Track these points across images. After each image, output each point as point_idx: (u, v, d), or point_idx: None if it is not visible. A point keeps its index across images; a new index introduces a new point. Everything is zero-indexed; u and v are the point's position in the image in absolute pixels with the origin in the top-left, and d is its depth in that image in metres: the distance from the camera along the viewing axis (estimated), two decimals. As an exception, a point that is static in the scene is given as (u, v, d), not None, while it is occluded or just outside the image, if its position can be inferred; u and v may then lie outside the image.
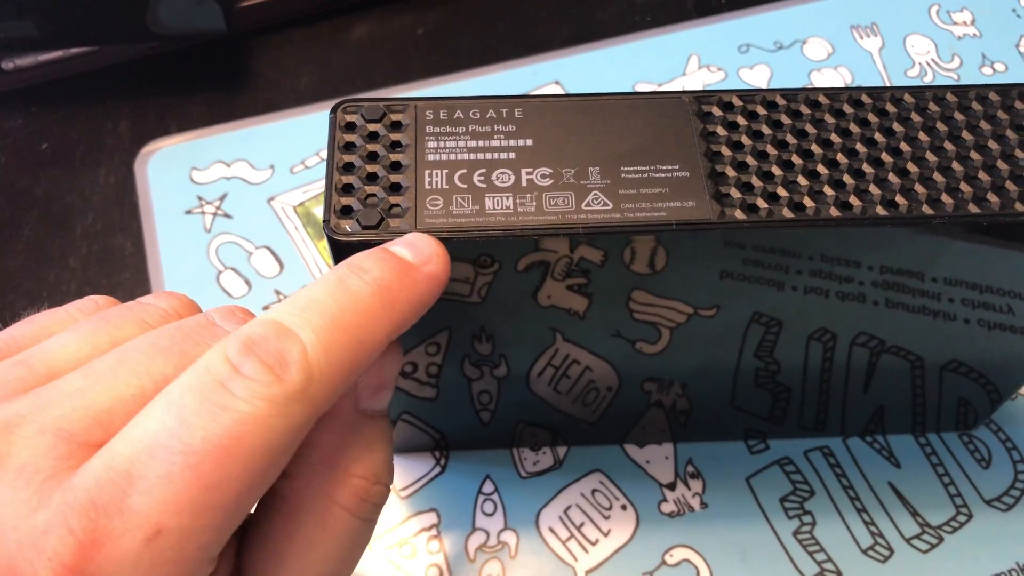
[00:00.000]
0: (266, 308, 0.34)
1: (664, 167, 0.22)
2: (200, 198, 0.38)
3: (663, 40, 0.43)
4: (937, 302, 0.26)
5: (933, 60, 0.43)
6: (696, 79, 0.42)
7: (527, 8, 0.44)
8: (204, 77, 0.42)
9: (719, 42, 0.43)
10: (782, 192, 0.22)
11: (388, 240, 0.21)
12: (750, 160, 0.23)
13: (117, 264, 0.37)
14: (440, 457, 0.33)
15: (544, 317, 0.25)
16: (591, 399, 0.30)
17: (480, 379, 0.28)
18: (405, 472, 0.32)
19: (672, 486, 0.32)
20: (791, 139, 0.23)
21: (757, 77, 0.42)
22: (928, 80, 0.42)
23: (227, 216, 0.38)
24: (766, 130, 0.23)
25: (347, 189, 0.22)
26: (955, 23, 0.44)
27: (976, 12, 0.44)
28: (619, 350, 0.27)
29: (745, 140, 0.23)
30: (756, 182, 0.22)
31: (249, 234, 0.37)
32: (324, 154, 0.39)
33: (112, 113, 0.41)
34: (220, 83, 0.41)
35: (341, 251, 0.21)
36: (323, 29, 0.43)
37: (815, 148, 0.23)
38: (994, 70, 0.42)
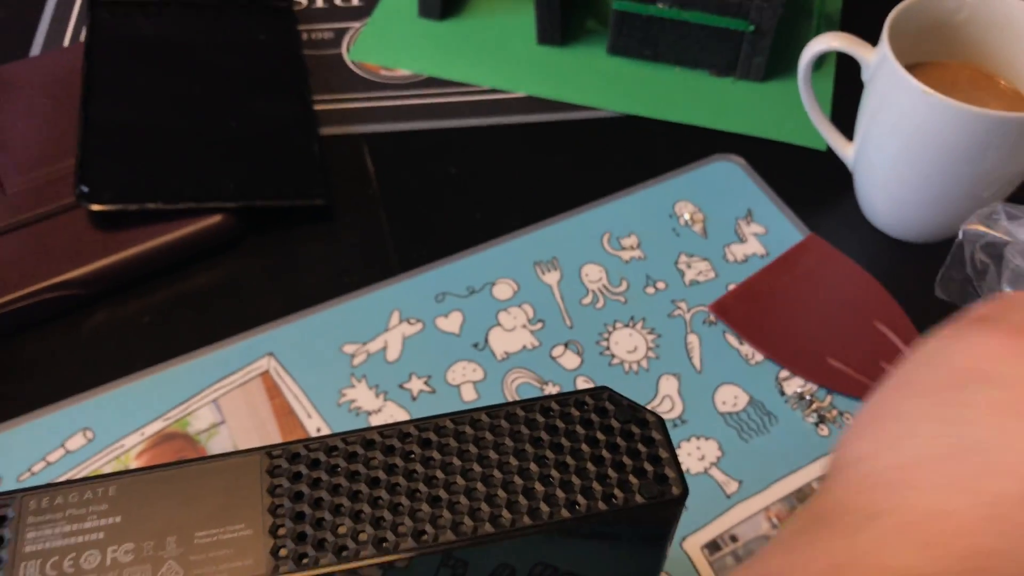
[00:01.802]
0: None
1: (232, 528, 0.26)
2: (-69, 519, 0.41)
3: (368, 299, 0.48)
4: (607, 527, 0.31)
5: (604, 286, 0.49)
6: (397, 333, 0.47)
7: (242, 284, 0.49)
8: (-64, 395, 0.45)
9: (418, 294, 0.48)
10: (329, 538, 0.26)
11: None
12: (306, 509, 0.27)
13: None
14: None
15: None
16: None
17: None
18: None
19: None
20: (344, 482, 0.27)
21: (451, 324, 0.47)
22: (599, 306, 0.48)
23: (-47, 536, 0.40)
24: (323, 476, 0.27)
25: None
26: (624, 248, 0.51)
27: (642, 236, 0.51)
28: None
29: (304, 489, 0.27)
30: (309, 531, 0.26)
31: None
32: (52, 457, 0.43)
33: None
34: (-48, 399, 0.45)
35: None
36: (53, 331, 0.47)
37: (363, 488, 0.27)
38: (656, 288, 0.49)
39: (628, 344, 0.46)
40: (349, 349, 0.46)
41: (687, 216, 0.52)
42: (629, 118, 0.58)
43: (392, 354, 0.46)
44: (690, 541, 0.40)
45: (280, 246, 0.51)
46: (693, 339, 0.47)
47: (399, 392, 0.45)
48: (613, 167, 0.55)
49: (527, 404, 0.30)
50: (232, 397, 0.44)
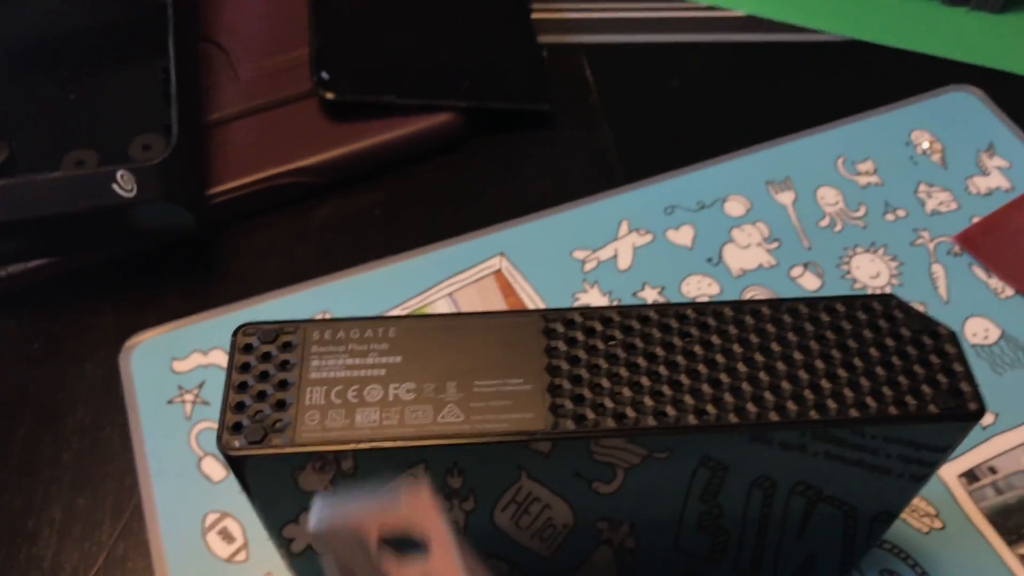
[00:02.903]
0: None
1: (512, 381, 0.26)
2: (180, 387, 0.42)
3: (596, 207, 0.47)
4: (875, 456, 0.30)
5: (842, 210, 0.47)
6: (627, 242, 0.46)
7: (470, 185, 0.49)
8: (178, 271, 0.46)
9: (647, 205, 0.47)
10: (608, 403, 0.26)
11: (271, 453, 0.24)
12: (584, 373, 0.26)
13: (106, 456, 0.40)
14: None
15: (512, 455, 0.27)
16: (548, 535, 0.33)
17: (449, 511, 0.31)
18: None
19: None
20: (621, 352, 0.27)
21: (683, 237, 0.46)
22: (838, 230, 0.46)
23: (205, 403, 0.41)
24: (600, 344, 0.27)
25: (239, 407, 0.25)
26: (859, 173, 0.49)
27: (878, 162, 0.49)
28: (577, 489, 0.30)
29: (581, 354, 0.27)
30: (587, 394, 0.26)
31: (226, 419, 0.41)
32: (292, 337, 0.43)
33: (96, 310, 0.44)
34: (193, 275, 0.45)
35: (232, 464, 0.25)
36: (286, 217, 0.47)
37: (640, 361, 0.27)
38: (896, 216, 0.47)
39: (870, 269, 0.45)
40: (579, 255, 0.46)
41: (925, 145, 0.50)
42: (853, 43, 0.55)
43: (623, 263, 0.45)
44: (946, 469, 0.39)
45: (504, 150, 0.50)
46: (938, 269, 0.45)
47: (633, 300, 0.44)
48: (839, 91, 0.53)
49: (811, 302, 0.29)
50: (467, 292, 0.44)
